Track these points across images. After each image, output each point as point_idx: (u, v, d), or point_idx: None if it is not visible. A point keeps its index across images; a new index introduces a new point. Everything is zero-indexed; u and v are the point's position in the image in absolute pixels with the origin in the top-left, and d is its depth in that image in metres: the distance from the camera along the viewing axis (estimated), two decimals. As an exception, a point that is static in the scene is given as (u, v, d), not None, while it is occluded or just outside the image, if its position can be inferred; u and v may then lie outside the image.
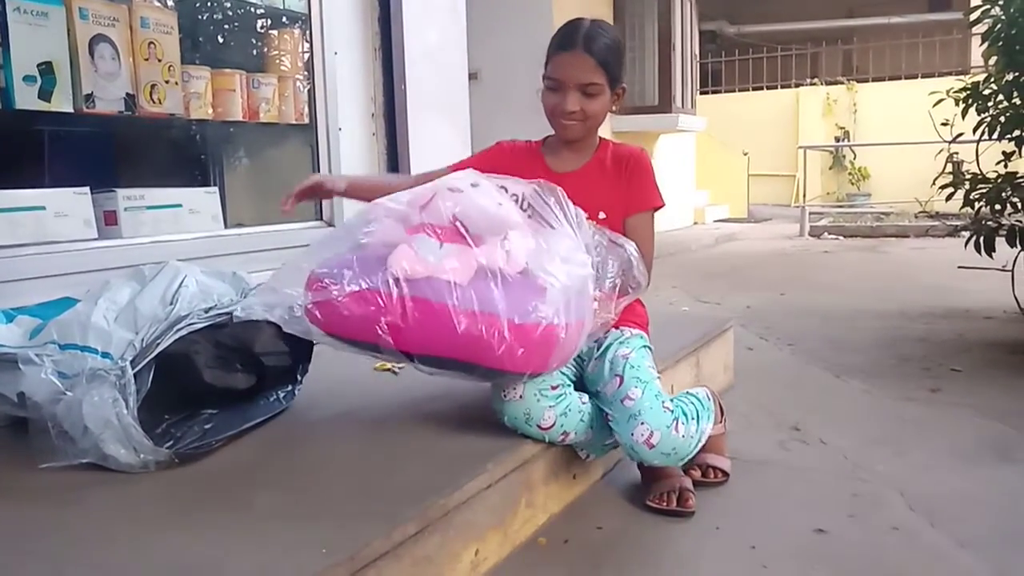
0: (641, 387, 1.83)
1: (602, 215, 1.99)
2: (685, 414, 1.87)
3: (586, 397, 1.88)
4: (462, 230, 1.68)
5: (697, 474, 2.05)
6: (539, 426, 1.78)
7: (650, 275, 2.03)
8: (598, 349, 1.98)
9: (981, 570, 1.67)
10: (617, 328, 2.01)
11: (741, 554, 1.75)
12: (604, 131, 2.16)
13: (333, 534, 1.34)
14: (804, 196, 9.83)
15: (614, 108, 2.05)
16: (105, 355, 1.65)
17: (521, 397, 1.77)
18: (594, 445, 1.93)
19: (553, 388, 1.82)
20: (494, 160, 2.10)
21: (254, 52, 2.78)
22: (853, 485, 2.11)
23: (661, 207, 2.08)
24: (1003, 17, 3.57)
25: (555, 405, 1.80)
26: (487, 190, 1.74)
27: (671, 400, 1.89)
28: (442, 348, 1.64)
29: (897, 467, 2.23)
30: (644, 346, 2.00)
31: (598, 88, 1.95)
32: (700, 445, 1.93)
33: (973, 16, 3.77)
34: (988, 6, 3.68)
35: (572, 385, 1.90)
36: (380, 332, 1.63)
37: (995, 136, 3.76)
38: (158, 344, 1.65)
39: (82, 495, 1.54)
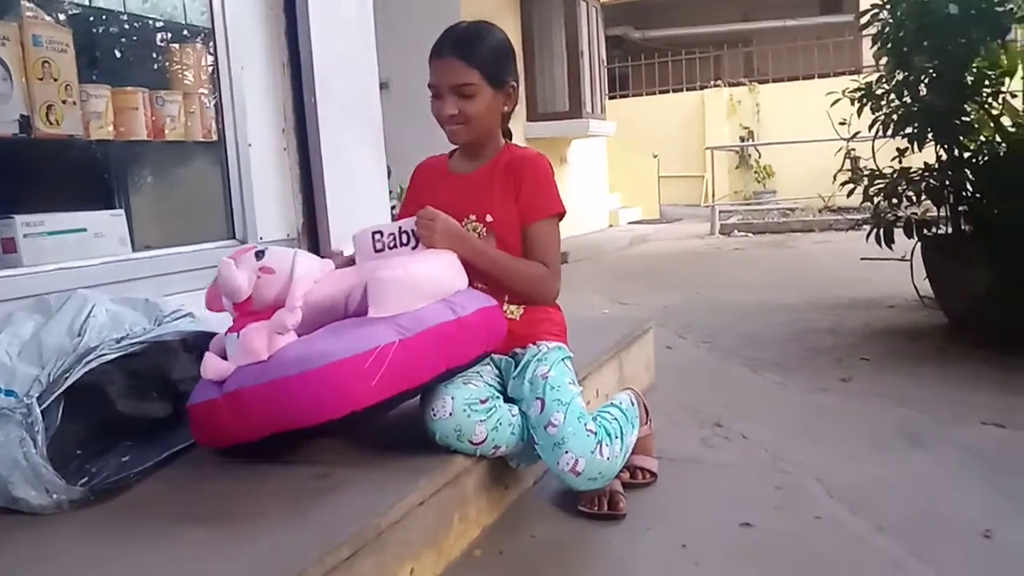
0: (563, 411, 1.84)
1: (489, 218, 2.01)
2: (608, 434, 1.88)
3: (516, 409, 1.88)
4: (247, 306, 1.73)
5: (626, 476, 2.08)
6: (471, 441, 1.78)
7: (558, 283, 2.05)
8: (516, 367, 1.98)
9: (900, 552, 1.74)
10: (534, 343, 2.02)
11: (673, 553, 1.78)
12: (517, 137, 2.16)
13: (264, 563, 1.31)
14: (713, 195, 10.10)
15: (506, 108, 2.03)
16: (9, 392, 1.57)
17: (451, 414, 1.76)
18: (524, 455, 1.93)
19: (483, 402, 1.81)
20: (416, 185, 2.17)
21: (156, 68, 2.68)
22: (776, 477, 2.18)
23: (561, 213, 2.05)
24: (891, 20, 3.74)
25: (486, 419, 1.79)
26: (242, 259, 1.76)
27: (594, 419, 1.89)
28: (266, 426, 1.65)
29: (816, 457, 2.31)
30: (564, 359, 2.01)
31: (473, 88, 1.94)
32: (625, 460, 1.96)
33: (864, 19, 3.94)
34: (877, 10, 3.85)
35: (501, 397, 1.90)
36: (223, 435, 1.71)
37: (889, 133, 3.94)
38: (66, 378, 1.59)
39: (-9, 541, 1.46)
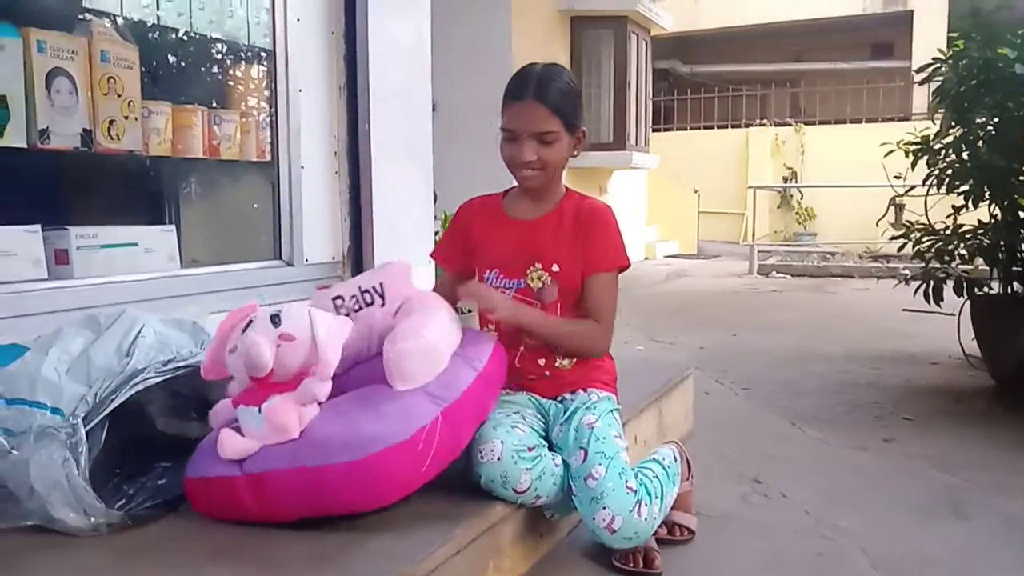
0: (605, 464, 1.80)
1: (556, 267, 1.97)
2: (649, 493, 1.84)
3: (559, 459, 1.85)
4: (268, 377, 1.62)
5: (664, 532, 2.03)
6: (515, 489, 1.75)
7: (609, 337, 2.01)
8: (564, 413, 1.95)
9: (946, 636, 1.68)
10: (584, 390, 1.99)
11: (711, 619, 1.73)
12: None
13: (298, 610, 1.29)
14: (753, 235, 10.01)
15: (575, 153, 2.00)
16: (55, 411, 1.57)
17: (499, 459, 1.74)
18: (560, 505, 1.90)
19: (530, 449, 1.79)
20: (462, 225, 2.10)
21: (216, 88, 2.72)
22: (816, 543, 2.12)
23: (625, 267, 2.03)
24: (953, 78, 3.68)
25: (531, 468, 1.76)
26: (259, 326, 1.66)
27: (635, 476, 1.85)
28: (295, 511, 1.56)
29: (857, 523, 2.24)
30: (612, 410, 1.98)
31: (554, 136, 1.91)
32: (663, 518, 1.92)
33: (922, 74, 3.89)
34: (938, 64, 3.80)
35: (546, 445, 1.87)
36: (240, 513, 1.59)
37: (942, 189, 3.87)
38: (113, 399, 1.58)
39: (25, 562, 1.45)
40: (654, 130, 11.25)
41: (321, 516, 1.54)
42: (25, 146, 2.07)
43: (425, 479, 1.59)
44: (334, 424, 1.58)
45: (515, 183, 2.05)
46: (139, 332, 1.73)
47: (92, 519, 1.52)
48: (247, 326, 1.64)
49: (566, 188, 2.08)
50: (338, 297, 1.84)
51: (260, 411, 1.57)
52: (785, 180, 12.99)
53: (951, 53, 3.73)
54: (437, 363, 1.73)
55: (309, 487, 1.52)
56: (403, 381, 1.68)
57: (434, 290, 2.10)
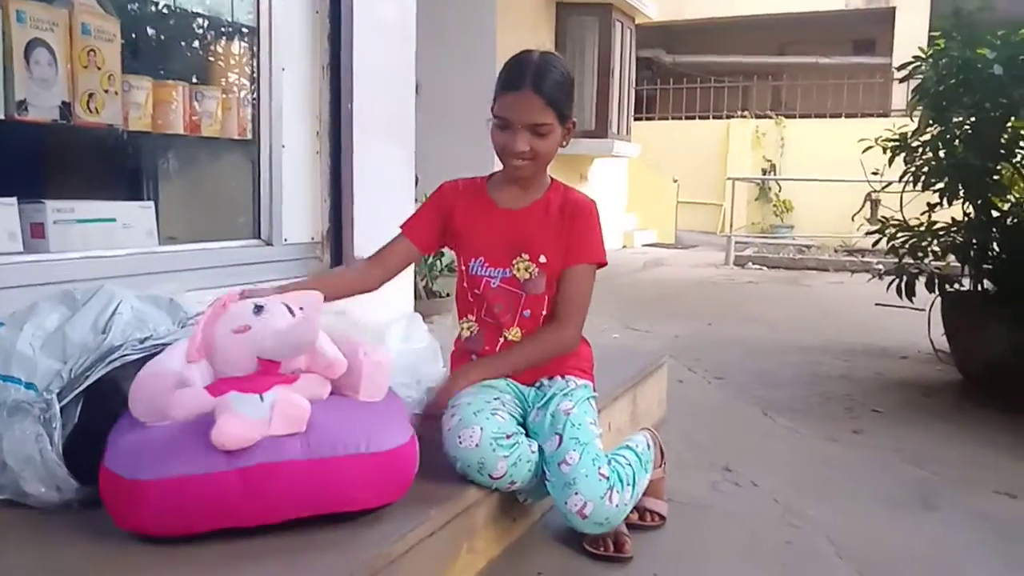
0: (579, 450, 1.82)
1: (543, 259, 1.98)
2: (621, 480, 1.86)
3: (535, 446, 1.86)
4: (275, 367, 1.54)
5: (635, 517, 2.05)
6: (491, 475, 1.77)
7: (578, 330, 2.03)
8: (541, 399, 1.97)
9: (909, 624, 1.72)
10: (562, 376, 2.01)
11: (679, 604, 1.75)
12: None
13: (273, 588, 1.29)
14: (731, 226, 10.06)
15: (564, 143, 2.00)
16: (29, 386, 1.56)
17: (477, 445, 1.75)
18: (533, 490, 1.91)
19: (508, 437, 1.80)
20: (441, 204, 2.08)
21: (198, 64, 2.69)
22: (785, 532, 2.15)
23: (602, 264, 2.04)
24: (933, 76, 3.71)
25: (508, 455, 1.78)
26: (274, 309, 1.59)
27: (608, 463, 1.87)
28: (297, 509, 1.47)
29: (826, 513, 2.28)
30: (588, 398, 2.00)
31: (548, 128, 1.91)
32: (635, 504, 1.95)
33: (903, 72, 3.92)
34: (918, 63, 3.83)
35: (523, 431, 1.89)
36: (221, 516, 1.43)
37: (918, 186, 3.92)
38: (88, 376, 1.57)
39: (-2, 536, 1.45)
40: (636, 119, 11.25)
41: (320, 514, 1.48)
42: (2, 117, 2.04)
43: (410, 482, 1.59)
44: (340, 418, 1.54)
45: (497, 168, 2.05)
46: (116, 308, 1.72)
47: (65, 495, 1.51)
48: (258, 310, 1.56)
49: (551, 178, 2.08)
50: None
51: (263, 399, 1.45)
52: (764, 172, 13.05)
53: (932, 52, 3.77)
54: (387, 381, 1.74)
55: (318, 480, 1.45)
56: (375, 391, 1.66)
57: (383, 249, 2.07)
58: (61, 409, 1.52)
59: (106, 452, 1.45)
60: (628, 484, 1.88)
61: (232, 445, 1.39)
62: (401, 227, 2.10)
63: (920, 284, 3.98)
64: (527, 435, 1.90)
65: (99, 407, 1.58)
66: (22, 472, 1.50)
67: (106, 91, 2.24)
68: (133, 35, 2.46)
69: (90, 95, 2.20)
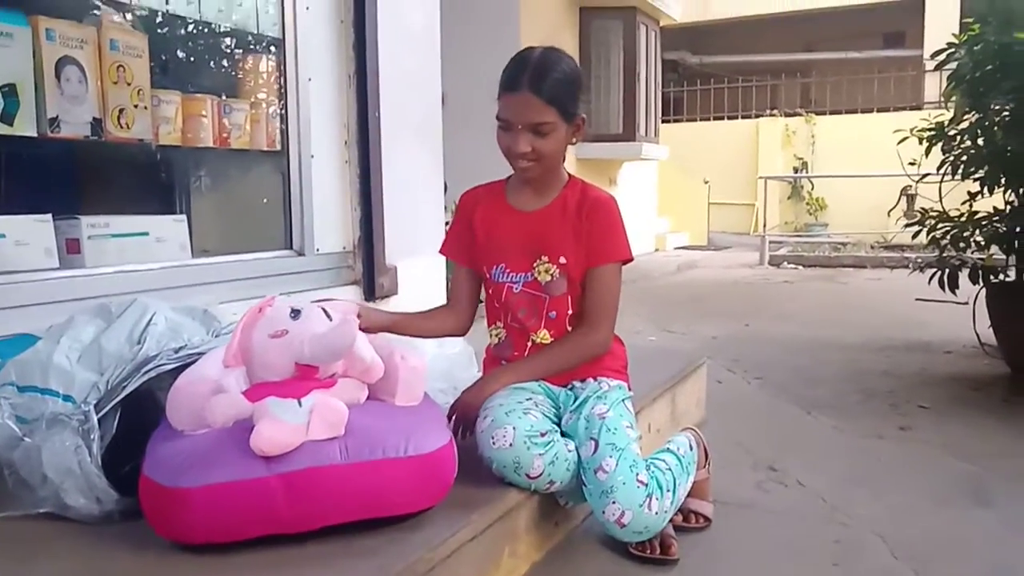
0: (616, 456, 1.78)
1: (563, 260, 1.94)
2: (660, 486, 1.82)
3: (572, 444, 1.83)
4: (313, 371, 1.52)
5: (679, 519, 2.01)
6: (527, 475, 1.73)
7: (609, 331, 1.98)
8: (574, 401, 1.93)
9: (969, 623, 1.66)
10: (595, 379, 1.97)
11: (728, 606, 1.71)
12: (568, 159, 2.07)
13: (314, 595, 1.27)
14: (764, 225, 9.95)
15: (574, 140, 1.95)
16: (67, 398, 1.57)
17: (511, 445, 1.72)
18: (574, 493, 1.88)
19: (542, 435, 1.77)
20: (466, 216, 2.07)
21: (226, 77, 2.71)
22: (834, 530, 2.09)
23: (628, 260, 1.99)
24: (968, 62, 3.63)
25: (544, 453, 1.75)
26: (311, 313, 1.57)
27: (647, 468, 1.83)
28: (339, 514, 1.45)
29: (876, 510, 2.22)
30: (623, 399, 1.96)
31: (549, 127, 1.85)
32: (676, 510, 1.91)
33: (938, 58, 3.84)
34: (953, 49, 3.75)
35: (558, 431, 1.86)
36: (263, 523, 1.41)
37: (957, 175, 3.83)
38: (125, 387, 1.57)
39: (39, 549, 1.45)
40: (664, 121, 11.19)
41: (361, 519, 1.46)
42: (35, 135, 2.06)
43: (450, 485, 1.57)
44: (379, 422, 1.52)
45: None
46: (150, 320, 1.73)
47: (105, 506, 1.51)
48: (295, 314, 1.55)
49: (569, 176, 2.03)
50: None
51: (301, 404, 1.44)
52: (796, 170, 12.92)
53: (966, 37, 3.69)
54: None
55: (358, 484, 1.43)
56: (411, 396, 1.67)
57: (449, 285, 2.10)
58: (99, 420, 1.52)
59: (145, 461, 1.45)
60: (668, 490, 1.84)
61: (271, 451, 1.38)
62: (441, 251, 2.14)
63: (963, 276, 3.88)
64: (563, 436, 1.86)
65: (136, 417, 1.58)
66: (62, 484, 1.50)
67: (136, 106, 2.26)
68: (161, 51, 2.48)
69: (120, 110, 2.22)
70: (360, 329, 1.60)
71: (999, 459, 2.65)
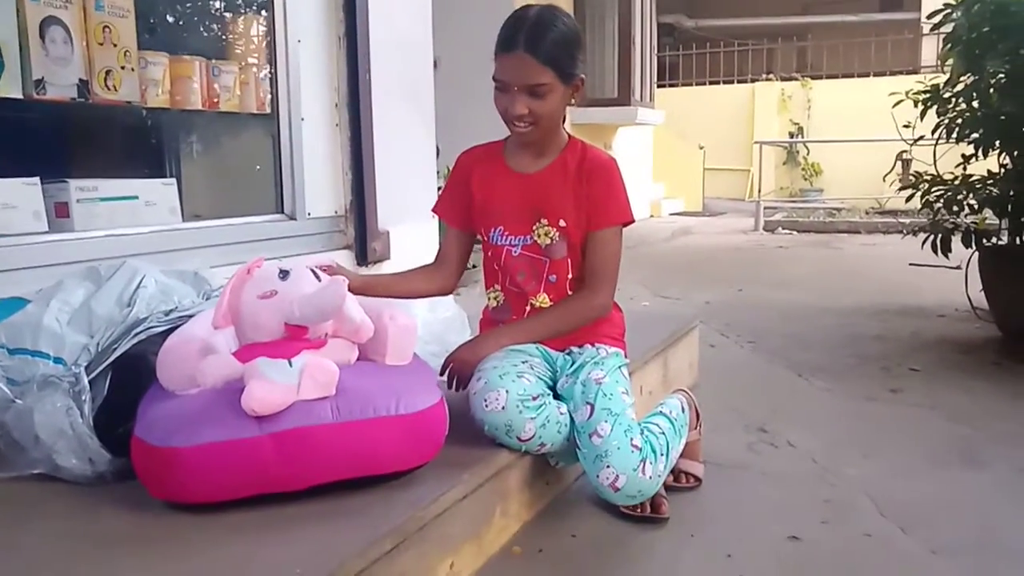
0: (611, 421, 1.78)
1: (563, 222, 1.93)
2: (654, 451, 1.82)
3: (564, 407, 1.84)
4: (303, 331, 1.50)
5: (671, 479, 2.02)
6: (519, 438, 1.74)
7: (609, 295, 1.97)
8: (571, 366, 1.93)
9: (955, 578, 1.68)
10: (593, 344, 1.97)
11: (719, 563, 1.73)
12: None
13: (305, 553, 1.28)
14: (759, 191, 9.93)
15: (573, 101, 1.92)
16: (58, 360, 1.57)
17: (503, 408, 1.72)
18: (566, 454, 1.89)
19: (534, 398, 1.77)
20: (463, 176, 2.04)
21: (214, 39, 2.68)
22: (824, 490, 2.11)
23: (629, 222, 1.97)
24: (965, 24, 3.59)
25: (535, 416, 1.75)
26: (300, 274, 1.55)
27: (641, 433, 1.84)
28: (330, 472, 1.46)
29: (866, 470, 2.24)
30: (620, 366, 1.96)
31: (546, 88, 1.81)
32: (669, 472, 1.92)
33: (935, 19, 3.80)
34: (949, 10, 3.71)
35: (551, 394, 1.86)
36: (255, 482, 1.42)
37: (953, 138, 3.81)
38: (115, 348, 1.57)
39: (33, 510, 1.45)
40: (659, 86, 11.09)
41: (352, 477, 1.47)
42: (21, 97, 2.04)
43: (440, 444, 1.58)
44: (369, 382, 1.53)
45: None
46: (140, 282, 1.72)
47: (98, 467, 1.52)
48: (284, 275, 1.53)
49: (569, 136, 2.00)
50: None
51: (291, 365, 1.44)
52: (791, 135, 12.86)
53: (963, -1, 3.65)
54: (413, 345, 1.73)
55: (349, 443, 1.44)
56: (400, 356, 1.67)
57: (439, 247, 2.08)
58: (90, 382, 1.52)
59: (137, 422, 1.45)
60: (661, 454, 1.85)
61: (263, 410, 1.39)
62: (432, 210, 2.10)
63: (956, 240, 3.88)
64: (556, 398, 1.87)
65: (127, 379, 1.58)
66: (55, 445, 1.50)
67: (123, 68, 2.23)
68: (148, 11, 2.44)
69: (107, 72, 2.19)
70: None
71: (989, 421, 2.67)
